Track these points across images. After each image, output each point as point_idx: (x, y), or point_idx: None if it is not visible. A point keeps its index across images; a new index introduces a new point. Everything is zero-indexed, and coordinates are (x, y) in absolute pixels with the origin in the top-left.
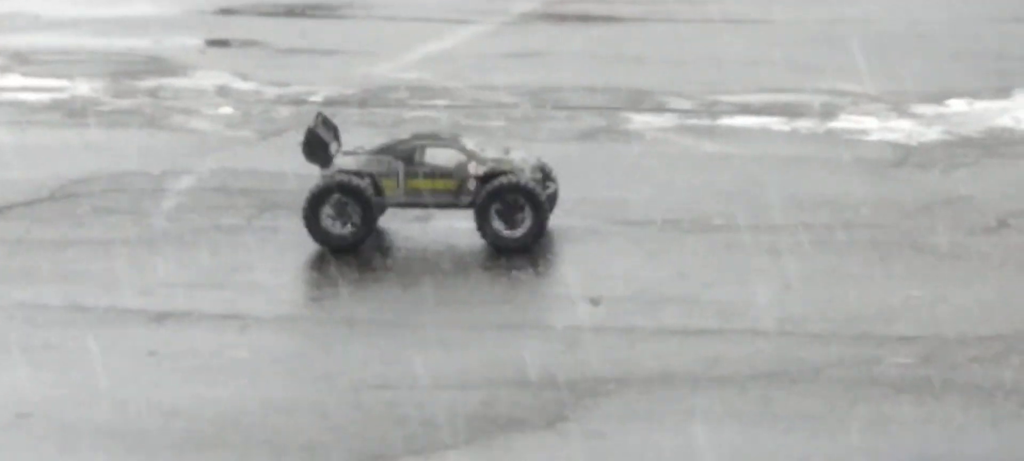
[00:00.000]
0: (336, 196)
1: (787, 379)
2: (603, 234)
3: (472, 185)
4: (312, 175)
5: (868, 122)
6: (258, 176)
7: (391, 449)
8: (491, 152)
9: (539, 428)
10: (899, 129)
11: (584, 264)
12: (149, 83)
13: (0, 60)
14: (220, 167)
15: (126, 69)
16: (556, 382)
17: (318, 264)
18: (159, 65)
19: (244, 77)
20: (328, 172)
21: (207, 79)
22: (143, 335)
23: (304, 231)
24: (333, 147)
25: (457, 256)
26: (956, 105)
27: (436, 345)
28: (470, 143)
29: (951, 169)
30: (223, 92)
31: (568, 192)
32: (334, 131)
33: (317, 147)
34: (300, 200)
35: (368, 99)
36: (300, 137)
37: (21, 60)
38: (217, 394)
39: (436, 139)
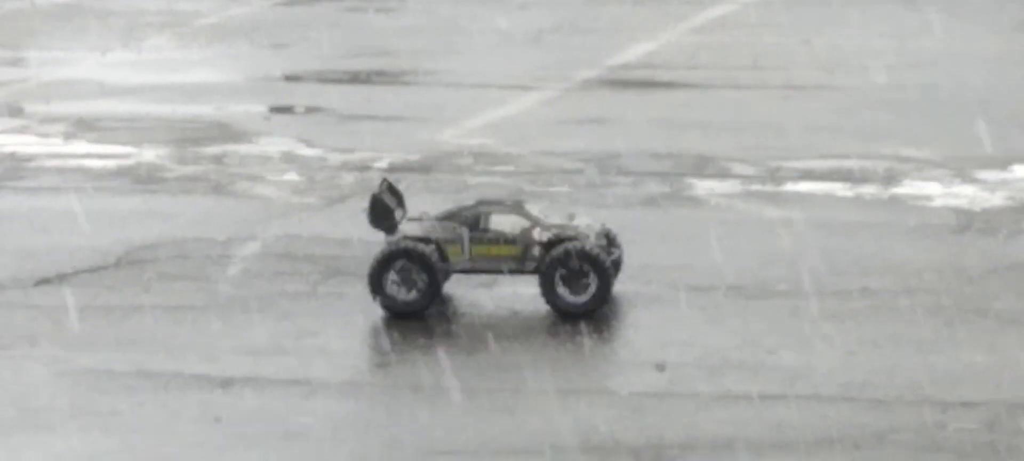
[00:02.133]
0: (401, 262)
1: (851, 444)
2: (667, 300)
3: (537, 251)
4: (377, 241)
5: (931, 187)
6: (323, 242)
7: None
8: (555, 218)
9: None
10: (963, 195)
11: (648, 329)
12: (214, 150)
13: (66, 127)
14: (285, 233)
15: (191, 136)
16: (621, 448)
17: (383, 330)
18: (224, 132)
19: (309, 143)
20: (393, 238)
21: (272, 145)
22: (208, 401)
23: (369, 297)
24: (398, 213)
25: (521, 322)
26: (1020, 170)
27: (501, 411)
28: (534, 209)
29: (1015, 235)
30: (288, 158)
31: (632, 258)
32: (399, 197)
33: (382, 213)
34: (365, 266)
35: (432, 165)
36: (365, 203)
37: (87, 127)
38: (283, 460)
39: (500, 205)
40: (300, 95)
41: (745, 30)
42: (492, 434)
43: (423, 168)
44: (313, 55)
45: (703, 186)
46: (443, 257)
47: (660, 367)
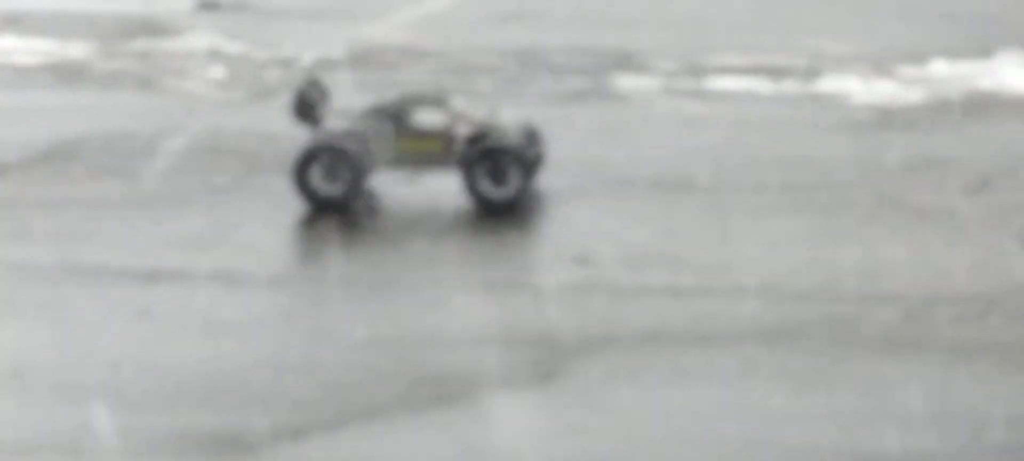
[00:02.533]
0: (325, 156)
1: (771, 337)
2: (589, 195)
3: (460, 145)
4: (301, 136)
5: (851, 83)
6: (248, 137)
7: (381, 406)
8: (479, 113)
9: (527, 387)
10: (882, 91)
11: (570, 224)
12: (140, 45)
13: None
14: (210, 128)
15: (117, 31)
16: (543, 340)
17: (308, 224)
18: (149, 27)
19: (234, 39)
20: (317, 133)
21: (197, 41)
22: (135, 294)
23: (294, 191)
24: (322, 108)
25: (445, 216)
26: (938, 66)
27: (425, 304)
28: (458, 104)
29: (933, 130)
30: (213, 54)
31: (555, 152)
32: (324, 92)
33: (306, 108)
34: (290, 161)
35: (357, 61)
36: (290, 98)
37: (12, 22)
38: (208, 352)
39: (424, 100)
40: None
41: None
42: (415, 326)
43: (348, 64)
44: None
45: (625, 82)
46: (367, 151)
47: (582, 261)
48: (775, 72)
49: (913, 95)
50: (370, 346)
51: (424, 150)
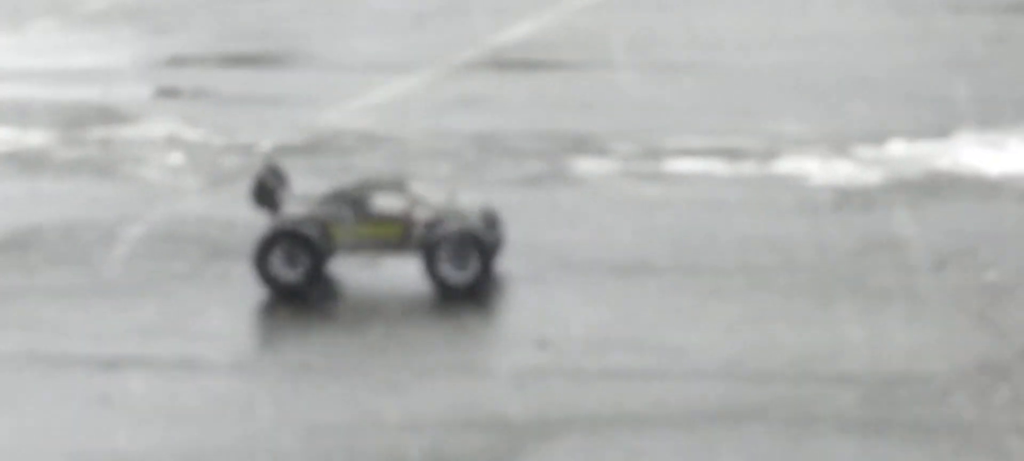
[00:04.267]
0: (285, 242)
1: (731, 419)
2: (549, 278)
3: (420, 230)
4: (261, 222)
5: (809, 164)
6: (207, 223)
7: None
8: (438, 197)
9: None
10: (840, 172)
11: (530, 307)
12: (99, 133)
13: None
14: (170, 215)
15: (76, 119)
16: (504, 424)
17: (269, 310)
18: (108, 115)
19: (193, 125)
20: (277, 219)
21: (156, 128)
22: (97, 382)
23: (254, 278)
24: (282, 194)
25: (405, 300)
26: (896, 147)
27: (386, 389)
28: (418, 188)
29: (891, 211)
30: (172, 141)
31: (514, 236)
32: (282, 178)
33: (265, 194)
34: (250, 247)
35: (316, 146)
36: (249, 184)
37: None
38: (170, 440)
39: (383, 185)
40: (184, 78)
41: (626, 11)
42: (376, 411)
43: (306, 149)
44: (196, 39)
45: (583, 165)
46: (327, 237)
47: (542, 344)
48: (733, 154)
49: (871, 175)
50: (330, 432)
51: (384, 235)
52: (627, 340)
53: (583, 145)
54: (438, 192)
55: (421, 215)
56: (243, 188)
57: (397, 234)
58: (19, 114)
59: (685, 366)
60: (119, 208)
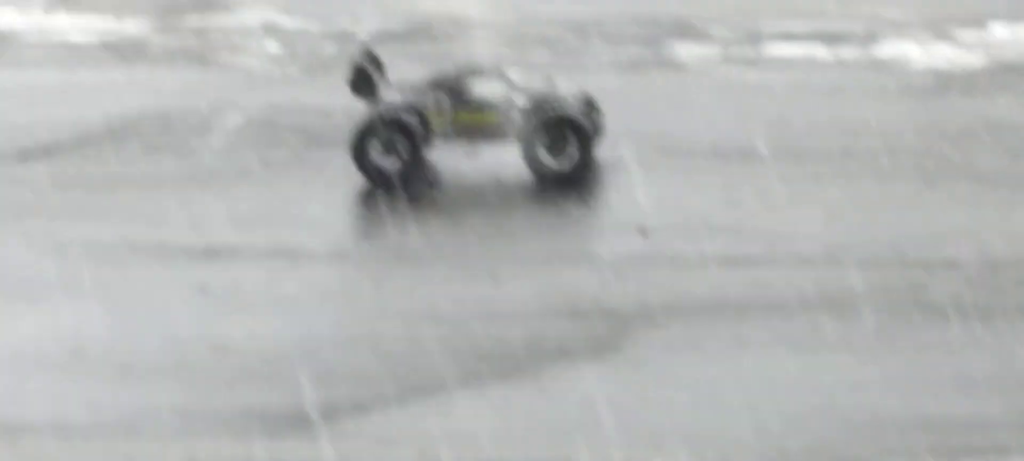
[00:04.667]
0: (383, 130)
1: (834, 305)
2: (649, 164)
3: (518, 117)
4: (359, 111)
5: (910, 48)
6: (305, 112)
7: (442, 380)
8: (536, 84)
9: (588, 358)
10: (941, 55)
11: (630, 194)
12: (195, 21)
13: (46, 1)
14: (267, 104)
15: (172, 7)
16: (604, 312)
17: (367, 198)
18: (204, 3)
19: (289, 13)
20: (374, 107)
21: (252, 17)
22: (195, 271)
23: (352, 166)
24: (379, 82)
25: (504, 188)
26: (997, 29)
27: (485, 277)
28: (516, 75)
29: (993, 94)
30: (269, 29)
31: (613, 123)
32: (380, 66)
33: (363, 82)
34: (347, 135)
35: (413, 33)
36: (346, 72)
37: (66, 0)
38: (268, 328)
39: (481, 72)
40: None
41: None
42: (476, 300)
43: (404, 36)
44: None
45: (683, 50)
46: (425, 124)
47: (643, 231)
48: (833, 38)
49: (972, 59)
50: (430, 320)
51: (482, 122)
52: (729, 226)
53: (683, 30)
54: (536, 79)
55: (520, 102)
56: (340, 76)
57: (495, 121)
58: (115, 3)
59: (787, 252)
60: (216, 97)
